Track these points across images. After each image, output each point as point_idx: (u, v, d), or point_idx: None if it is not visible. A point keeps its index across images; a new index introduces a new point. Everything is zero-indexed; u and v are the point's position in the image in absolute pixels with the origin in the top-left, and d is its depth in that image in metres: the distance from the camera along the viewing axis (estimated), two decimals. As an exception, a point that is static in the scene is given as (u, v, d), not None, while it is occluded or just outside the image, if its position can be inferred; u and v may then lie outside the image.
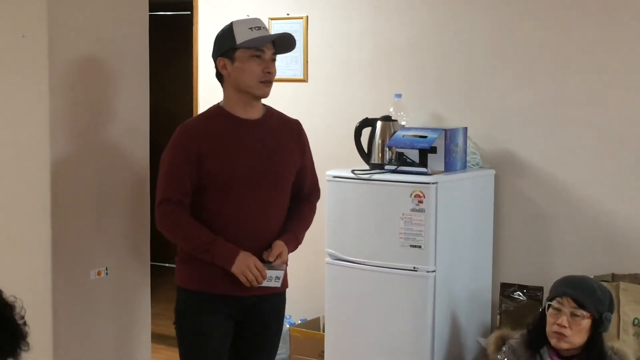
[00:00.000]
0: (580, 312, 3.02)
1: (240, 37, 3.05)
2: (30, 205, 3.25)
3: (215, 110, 3.16)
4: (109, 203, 3.40)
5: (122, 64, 3.44)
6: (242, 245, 3.04)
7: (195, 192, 3.07)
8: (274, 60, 3.12)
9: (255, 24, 3.09)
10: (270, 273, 3.04)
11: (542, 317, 3.14)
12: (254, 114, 3.14)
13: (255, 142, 3.11)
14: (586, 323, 3.03)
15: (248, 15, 5.07)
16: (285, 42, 3.14)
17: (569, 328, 3.02)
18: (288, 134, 3.22)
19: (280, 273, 3.07)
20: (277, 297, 3.23)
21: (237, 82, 3.09)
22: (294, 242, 3.17)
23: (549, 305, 3.09)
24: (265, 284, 3.05)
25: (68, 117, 3.25)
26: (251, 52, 3.06)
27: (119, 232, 3.44)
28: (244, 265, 3.01)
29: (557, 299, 3.07)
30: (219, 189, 3.06)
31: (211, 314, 3.10)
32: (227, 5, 5.24)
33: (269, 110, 3.22)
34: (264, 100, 3.20)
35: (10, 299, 2.04)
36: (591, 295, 3.04)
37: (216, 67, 3.13)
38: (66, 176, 3.24)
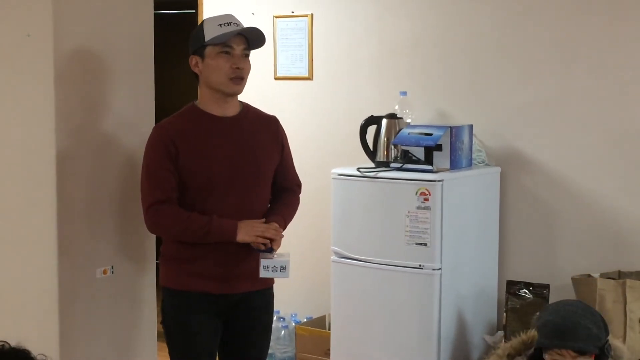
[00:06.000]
0: (583, 358, 2.92)
1: (209, 34, 3.02)
2: (36, 203, 3.25)
3: (190, 109, 3.13)
4: (115, 201, 3.40)
5: (128, 62, 3.44)
6: (227, 243, 3.03)
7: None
8: (246, 55, 3.08)
9: (226, 20, 3.05)
10: (274, 262, 3.02)
11: (539, 354, 2.99)
12: (230, 111, 3.11)
13: (233, 140, 3.08)
14: None
15: (253, 14, 5.09)
16: (254, 37, 3.10)
17: None
18: (266, 131, 3.19)
19: (285, 262, 3.02)
20: (264, 293, 3.21)
21: (207, 79, 3.06)
22: (282, 225, 3.13)
23: (546, 352, 2.95)
24: (271, 274, 3.02)
25: (73, 116, 3.25)
26: (219, 48, 3.02)
27: (125, 230, 3.44)
28: (249, 227, 3.00)
29: (556, 350, 2.93)
30: (200, 188, 3.04)
31: (197, 312, 3.08)
32: (231, 4, 5.23)
33: (246, 107, 3.19)
34: (244, 97, 3.17)
35: (39, 358, 1.98)
36: (589, 337, 2.92)
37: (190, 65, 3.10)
38: (72, 174, 3.24)
